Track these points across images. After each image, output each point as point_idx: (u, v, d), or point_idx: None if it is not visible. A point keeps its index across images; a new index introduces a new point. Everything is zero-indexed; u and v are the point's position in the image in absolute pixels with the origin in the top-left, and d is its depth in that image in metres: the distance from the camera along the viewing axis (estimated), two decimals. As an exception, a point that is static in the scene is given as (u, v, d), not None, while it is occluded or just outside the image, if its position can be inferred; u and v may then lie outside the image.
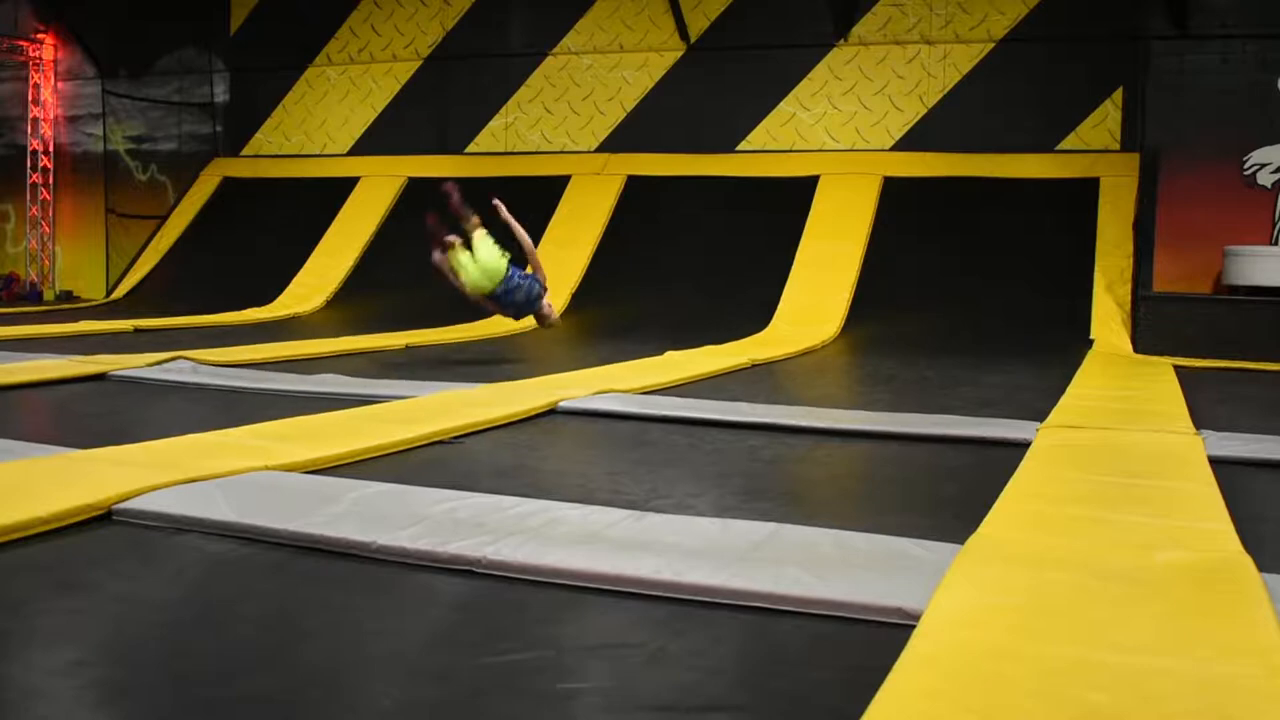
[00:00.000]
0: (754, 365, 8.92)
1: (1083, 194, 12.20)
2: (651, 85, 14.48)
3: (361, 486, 3.84)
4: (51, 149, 17.33)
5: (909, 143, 13.40)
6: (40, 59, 17.19)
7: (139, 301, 14.31)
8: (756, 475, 4.74)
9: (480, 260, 8.49)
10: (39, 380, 6.78)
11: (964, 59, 13.18)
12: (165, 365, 7.42)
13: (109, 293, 15.60)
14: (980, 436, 5.48)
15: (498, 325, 11.96)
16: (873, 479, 4.96)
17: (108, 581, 2.98)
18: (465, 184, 14.61)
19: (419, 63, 15.56)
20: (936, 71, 13.30)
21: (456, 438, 5.20)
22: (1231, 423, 5.92)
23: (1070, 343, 10.25)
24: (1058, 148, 12.81)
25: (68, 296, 16.72)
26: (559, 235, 13.68)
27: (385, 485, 3.88)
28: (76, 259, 17.29)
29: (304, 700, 2.27)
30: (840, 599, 2.78)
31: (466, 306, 12.56)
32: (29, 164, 17.17)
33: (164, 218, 16.11)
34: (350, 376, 7.27)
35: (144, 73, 16.83)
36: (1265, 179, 11.02)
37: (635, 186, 13.90)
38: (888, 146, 13.51)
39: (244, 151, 16.59)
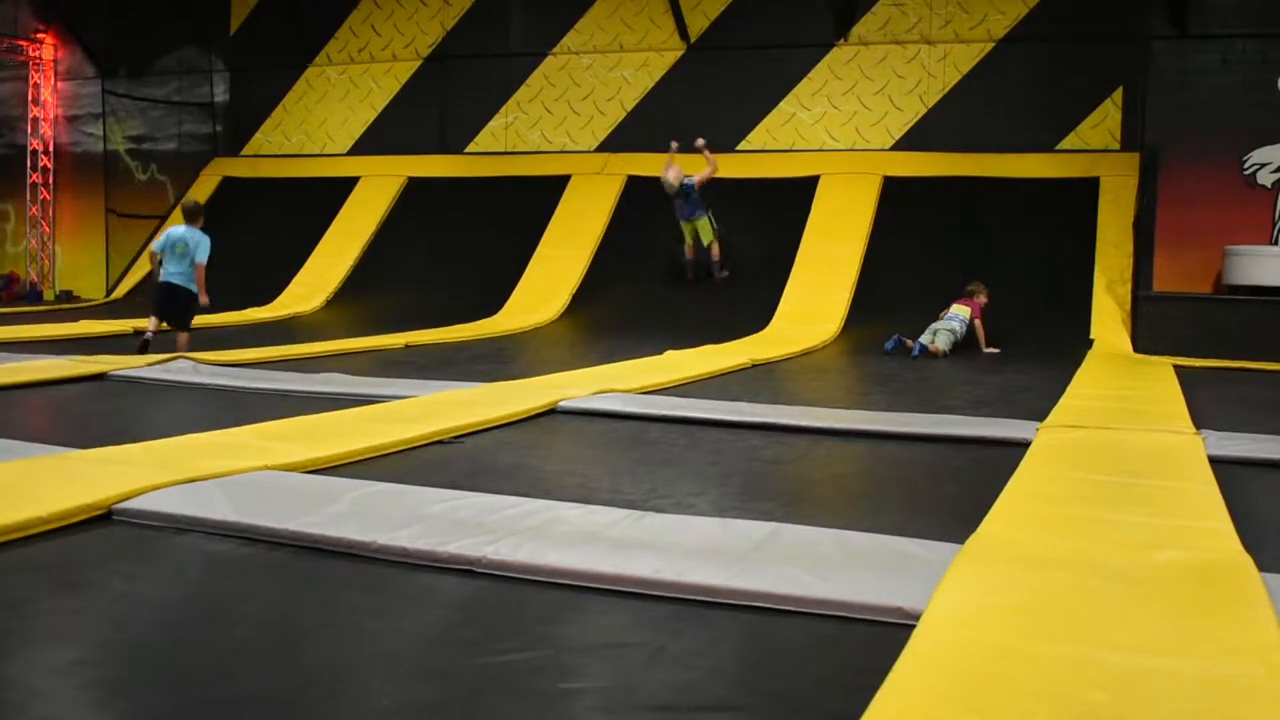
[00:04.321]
0: (754, 365, 8.92)
1: (1083, 194, 12.20)
2: (651, 85, 14.48)
3: (361, 486, 3.84)
4: (51, 149, 17.34)
5: (909, 142, 13.40)
6: (40, 59, 17.20)
7: (139, 301, 14.30)
8: (756, 475, 4.74)
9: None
10: (39, 380, 6.78)
11: (964, 59, 13.18)
12: (165, 365, 7.42)
13: (109, 293, 15.61)
14: (980, 436, 5.48)
15: (498, 325, 11.97)
16: (873, 479, 4.96)
17: (108, 581, 2.98)
18: (465, 183, 14.73)
19: (419, 63, 15.56)
20: (936, 71, 13.30)
21: (456, 438, 5.20)
22: (1231, 423, 5.92)
23: (1070, 343, 10.26)
24: (1058, 147, 12.81)
25: (68, 296, 16.72)
26: (559, 235, 13.69)
27: (385, 485, 3.88)
28: (76, 259, 17.29)
29: (304, 700, 2.27)
30: (840, 599, 2.78)
31: (466, 307, 12.62)
32: (29, 164, 17.18)
33: (164, 218, 16.07)
34: (350, 376, 7.27)
35: (144, 72, 16.83)
36: (1265, 179, 11.02)
37: (635, 186, 13.90)
38: (888, 146, 13.51)
39: (244, 151, 16.59)
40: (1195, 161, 11.08)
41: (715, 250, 12.47)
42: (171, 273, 8.75)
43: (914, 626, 2.52)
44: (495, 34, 15.09)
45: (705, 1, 14.12)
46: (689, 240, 12.57)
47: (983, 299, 10.44)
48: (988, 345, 10.21)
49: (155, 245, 8.99)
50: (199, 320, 10.97)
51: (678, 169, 12.22)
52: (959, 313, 10.29)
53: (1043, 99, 12.80)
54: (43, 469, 3.97)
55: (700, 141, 12.32)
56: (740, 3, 13.97)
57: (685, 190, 12.28)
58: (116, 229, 16.86)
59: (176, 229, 8.81)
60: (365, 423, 5.30)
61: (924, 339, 9.97)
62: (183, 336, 8.79)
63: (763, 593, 2.83)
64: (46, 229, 17.38)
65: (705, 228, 12.45)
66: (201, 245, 8.76)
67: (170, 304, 8.80)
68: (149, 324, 8.69)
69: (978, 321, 10.26)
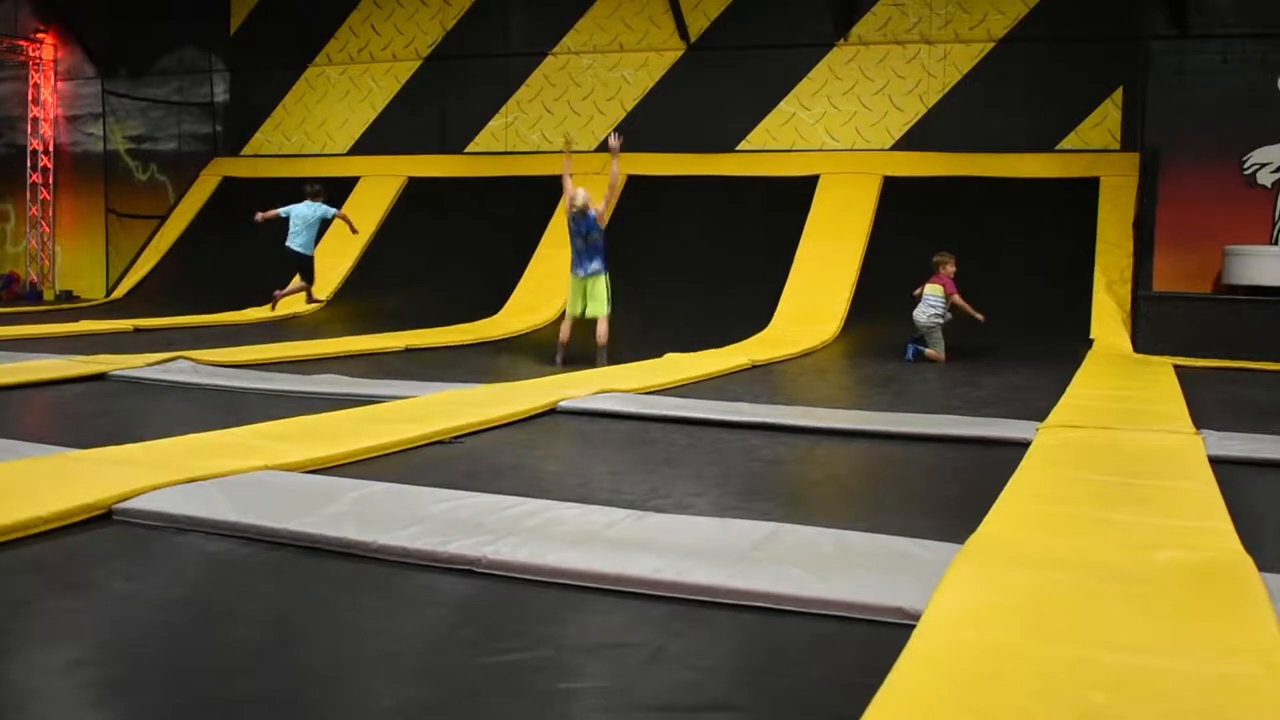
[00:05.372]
0: (754, 366, 8.92)
1: (1083, 194, 12.20)
2: (651, 85, 14.48)
3: (361, 486, 3.84)
4: (51, 149, 17.34)
5: (909, 142, 13.40)
6: (40, 59, 17.20)
7: (139, 301, 14.31)
8: (756, 475, 4.74)
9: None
10: (39, 380, 6.78)
11: (964, 59, 13.17)
12: (165, 365, 7.42)
13: (109, 293, 15.61)
14: (980, 436, 5.48)
15: (498, 325, 11.97)
16: (873, 479, 4.96)
17: (108, 581, 2.98)
18: (465, 183, 14.72)
19: (419, 63, 15.56)
20: (936, 71, 13.30)
21: (456, 438, 5.20)
22: (1231, 423, 5.92)
23: (1070, 343, 10.25)
24: (1058, 147, 12.81)
25: (68, 296, 16.72)
26: (559, 235, 13.64)
27: (385, 485, 3.88)
28: (76, 259, 17.29)
29: (304, 700, 2.27)
30: (840, 599, 2.78)
31: (466, 307, 12.62)
32: (29, 164, 17.18)
33: (164, 218, 16.11)
34: (350, 376, 7.27)
35: (144, 73, 16.83)
36: (1265, 179, 11.02)
37: (635, 186, 13.89)
38: (888, 146, 13.51)
39: (244, 151, 16.59)
40: (1195, 161, 11.08)
41: (602, 330, 9.04)
42: (299, 243, 11.33)
43: (914, 626, 2.52)
44: (495, 34, 15.09)
45: (705, 1, 14.12)
46: (573, 310, 9.27)
47: (951, 268, 10.00)
48: (977, 311, 9.91)
49: (283, 211, 11.28)
50: (198, 320, 11.02)
51: (586, 194, 9.43)
52: (933, 293, 9.89)
53: (1043, 99, 12.79)
54: (43, 469, 3.97)
55: (614, 141, 9.62)
56: (740, 3, 13.96)
57: (587, 224, 9.30)
58: (116, 229, 16.86)
59: (302, 206, 11.32)
60: (365, 423, 5.30)
61: (919, 329, 9.80)
62: (311, 287, 11.77)
63: (763, 593, 2.83)
64: (46, 229, 17.38)
65: (600, 294, 9.21)
66: (327, 210, 11.51)
67: (300, 266, 11.55)
68: (294, 284, 11.81)
69: (956, 297, 9.94)
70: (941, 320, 9.86)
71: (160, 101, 16.79)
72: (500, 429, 5.52)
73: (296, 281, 11.78)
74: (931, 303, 9.91)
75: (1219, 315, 10.36)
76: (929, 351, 9.76)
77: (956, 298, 9.97)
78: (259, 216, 11.25)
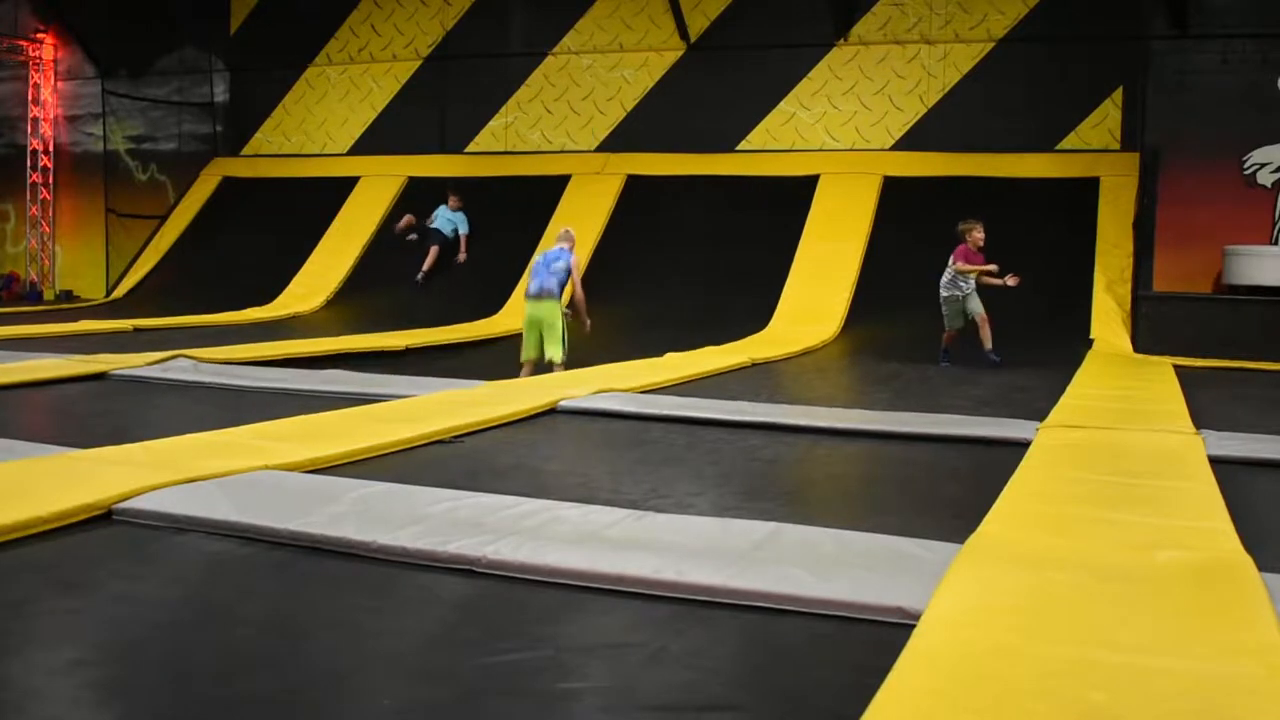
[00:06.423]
0: (754, 365, 8.92)
1: (1083, 194, 12.19)
2: (651, 85, 14.47)
3: (362, 486, 3.84)
4: (51, 149, 17.34)
5: (909, 142, 13.39)
6: (40, 59, 17.19)
7: (139, 301, 14.31)
8: (756, 475, 4.74)
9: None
10: (39, 380, 6.77)
11: (964, 59, 13.17)
12: (165, 364, 7.42)
13: (109, 292, 15.60)
14: (980, 436, 5.48)
15: (497, 325, 11.97)
16: (873, 479, 4.96)
17: (108, 581, 2.98)
18: (465, 183, 14.73)
19: (419, 63, 15.56)
20: (936, 71, 13.30)
21: (456, 437, 5.20)
22: (1231, 423, 5.92)
23: (1070, 343, 10.25)
24: (1058, 147, 12.80)
25: (68, 296, 16.72)
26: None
27: (385, 485, 3.88)
28: (76, 259, 17.29)
29: (304, 700, 2.27)
30: (840, 599, 2.78)
31: (466, 307, 12.63)
32: (29, 164, 17.17)
33: (164, 218, 16.10)
34: (351, 375, 7.27)
35: (144, 73, 16.83)
36: (1265, 179, 11.02)
37: (635, 186, 13.91)
38: (888, 146, 13.51)
39: (244, 151, 16.59)
40: (1195, 161, 11.08)
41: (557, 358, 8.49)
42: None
43: (914, 626, 2.52)
44: (495, 34, 15.09)
45: (705, 1, 14.12)
46: (527, 354, 8.54)
47: (979, 234, 9.47)
48: (1010, 276, 9.35)
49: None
50: (198, 319, 11.04)
51: (571, 234, 9.22)
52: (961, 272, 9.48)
53: (1043, 99, 12.79)
54: (43, 469, 3.97)
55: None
56: (740, 3, 13.96)
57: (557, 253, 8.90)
58: (116, 229, 16.86)
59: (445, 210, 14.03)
60: (365, 423, 5.30)
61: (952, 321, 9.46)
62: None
63: (763, 593, 2.83)
64: (46, 229, 17.38)
65: (556, 330, 8.48)
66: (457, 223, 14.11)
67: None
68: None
69: (985, 273, 9.46)
70: (960, 292, 9.45)
71: (160, 101, 16.78)
72: (500, 429, 5.52)
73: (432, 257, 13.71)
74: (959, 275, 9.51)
75: (1219, 315, 10.36)
76: (979, 323, 9.28)
77: (985, 271, 9.47)
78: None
